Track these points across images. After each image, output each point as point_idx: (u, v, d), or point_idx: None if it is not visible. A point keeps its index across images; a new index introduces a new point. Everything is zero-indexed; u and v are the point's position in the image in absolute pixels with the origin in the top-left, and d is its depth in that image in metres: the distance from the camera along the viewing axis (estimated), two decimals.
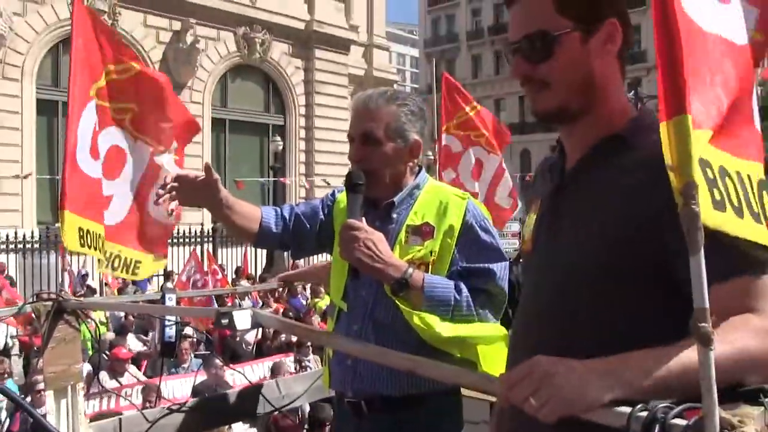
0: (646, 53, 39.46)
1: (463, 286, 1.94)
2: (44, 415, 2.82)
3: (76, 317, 2.73)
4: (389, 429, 2.02)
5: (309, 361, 7.65)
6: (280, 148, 19.36)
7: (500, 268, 2.00)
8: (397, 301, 1.91)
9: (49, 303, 2.67)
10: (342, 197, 2.19)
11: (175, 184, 2.02)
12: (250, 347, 9.10)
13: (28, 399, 6.48)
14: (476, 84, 44.74)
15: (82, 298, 3.30)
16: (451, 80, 7.88)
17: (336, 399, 2.20)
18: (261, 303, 10.56)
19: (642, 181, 1.19)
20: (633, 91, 24.48)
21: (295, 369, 7.37)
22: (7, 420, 6.86)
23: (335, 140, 21.94)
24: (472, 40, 47.58)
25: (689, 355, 1.03)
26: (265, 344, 8.87)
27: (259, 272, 15.27)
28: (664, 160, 1.07)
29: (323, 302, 10.71)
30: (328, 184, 17.57)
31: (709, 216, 0.98)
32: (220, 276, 9.68)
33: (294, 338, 8.64)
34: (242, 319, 1.70)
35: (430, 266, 1.98)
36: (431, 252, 1.99)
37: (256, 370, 7.42)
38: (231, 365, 7.27)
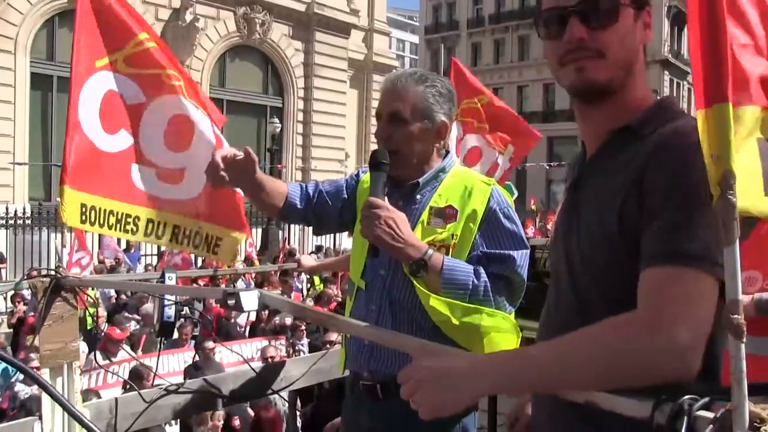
0: (644, 48, 39.33)
1: (482, 271, 1.92)
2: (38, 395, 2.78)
3: (74, 295, 2.69)
4: (404, 414, 1.98)
5: (303, 345, 7.63)
6: (278, 130, 19.27)
7: (521, 256, 1.98)
8: (414, 282, 1.91)
9: (47, 279, 2.63)
10: (366, 178, 2.17)
11: (221, 164, 2.00)
12: (242, 329, 9.06)
13: (20, 376, 6.45)
14: (475, 72, 44.17)
15: (83, 275, 3.25)
16: (460, 66, 7.78)
17: (350, 381, 2.18)
18: (252, 285, 10.52)
19: (637, 170, 1.18)
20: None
21: (288, 353, 7.34)
22: None
23: (333, 124, 21.88)
24: (473, 28, 47.36)
25: (542, 349, 1.15)
26: (258, 327, 8.83)
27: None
28: (662, 147, 1.13)
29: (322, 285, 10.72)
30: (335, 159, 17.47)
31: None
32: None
33: (288, 321, 8.63)
34: (249, 299, 1.67)
35: (450, 249, 1.96)
36: (453, 235, 1.97)
37: (244, 350, 7.39)
38: (222, 342, 7.23)
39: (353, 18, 22.99)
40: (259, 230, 16.72)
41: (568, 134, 36.94)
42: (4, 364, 7.19)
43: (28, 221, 13.55)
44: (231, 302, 1.72)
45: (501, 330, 1.97)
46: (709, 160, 0.96)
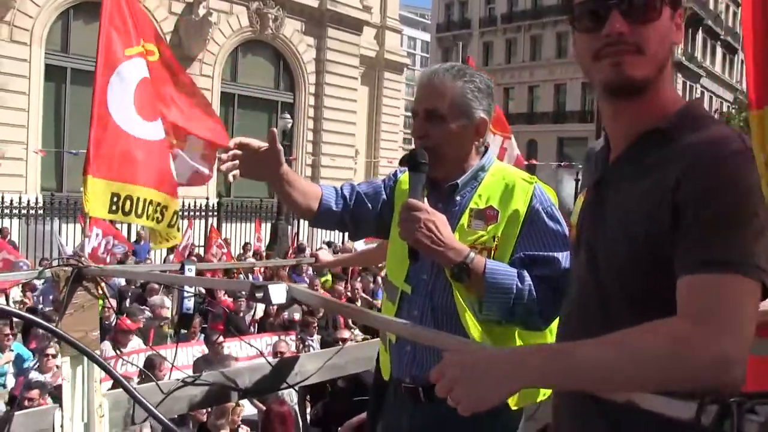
0: None
1: (526, 274, 1.84)
2: (59, 386, 2.79)
3: (96, 284, 2.70)
4: (445, 417, 1.96)
5: (312, 341, 7.62)
6: (289, 125, 19.27)
7: (566, 257, 1.88)
8: (455, 290, 1.86)
9: (69, 268, 2.64)
10: (404, 178, 2.10)
11: (239, 151, 1.93)
12: (251, 324, 9.06)
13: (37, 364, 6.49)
14: (486, 72, 44.40)
15: (102, 265, 3.27)
16: (473, 64, 7.86)
17: (392, 386, 2.12)
18: (261, 279, 10.54)
19: (669, 177, 1.16)
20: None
21: (297, 348, 7.34)
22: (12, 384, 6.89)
23: (344, 120, 21.87)
24: (485, 27, 47.24)
25: (589, 349, 1.10)
26: (267, 321, 8.84)
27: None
28: (693, 155, 1.12)
29: (325, 278, 10.71)
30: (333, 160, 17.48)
31: None
32: (225, 250, 9.66)
33: (296, 317, 8.63)
34: (278, 293, 1.66)
35: (492, 252, 1.89)
36: (494, 237, 1.90)
37: (253, 345, 7.38)
38: (236, 337, 7.24)
39: (365, 15, 22.95)
40: (268, 225, 16.76)
41: (578, 135, 36.82)
42: (16, 351, 7.25)
43: (41, 211, 13.61)
44: (259, 295, 1.71)
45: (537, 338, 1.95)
46: (761, 161, 0.95)
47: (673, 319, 1.08)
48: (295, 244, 14.17)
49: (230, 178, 1.95)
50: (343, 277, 10.34)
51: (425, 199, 1.86)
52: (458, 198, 1.99)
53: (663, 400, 1.03)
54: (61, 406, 2.63)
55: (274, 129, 1.99)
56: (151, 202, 3.35)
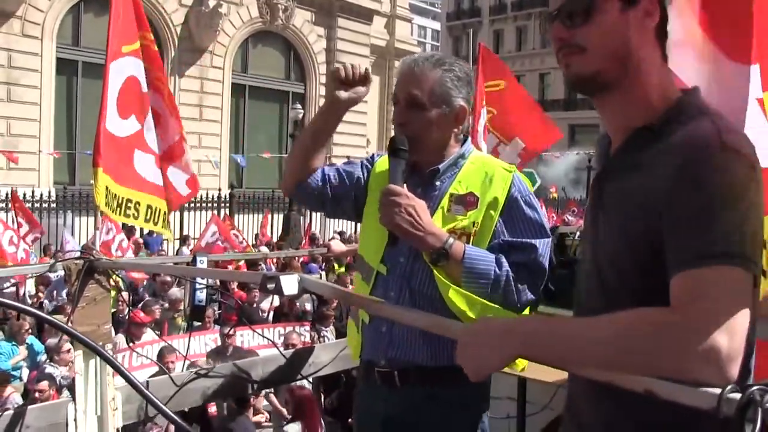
0: None
1: (503, 260, 1.88)
2: (72, 378, 2.80)
3: (107, 277, 2.70)
4: (421, 402, 1.96)
5: (327, 331, 7.64)
6: (300, 115, 19.27)
7: (542, 244, 1.94)
8: (435, 272, 1.87)
9: (81, 262, 2.63)
10: (381, 162, 2.12)
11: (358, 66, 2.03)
12: (264, 314, 9.08)
13: (43, 359, 6.54)
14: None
15: (113, 258, 3.27)
16: (488, 50, 7.67)
17: (364, 368, 2.13)
18: (273, 270, 10.56)
19: (657, 176, 1.19)
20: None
21: (312, 339, 7.36)
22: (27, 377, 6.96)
23: (354, 110, 21.70)
24: (495, 15, 46.97)
25: (577, 325, 1.20)
26: (282, 312, 8.86)
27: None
28: (681, 151, 1.15)
29: (342, 269, 10.73)
30: (348, 158, 17.50)
31: None
32: (241, 240, 9.68)
33: (308, 307, 8.65)
34: (289, 284, 1.64)
35: (471, 237, 1.92)
36: (474, 223, 1.93)
37: (266, 335, 7.40)
38: (249, 326, 7.27)
39: (375, 4, 22.87)
40: (281, 216, 16.80)
41: (590, 122, 36.59)
42: (29, 343, 7.31)
43: (53, 205, 13.69)
44: (270, 286, 1.69)
45: None
46: None
47: (665, 308, 1.10)
48: (309, 235, 14.20)
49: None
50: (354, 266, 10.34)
51: (405, 185, 1.88)
52: (438, 183, 2.01)
53: (682, 389, 1.00)
54: (74, 399, 2.63)
55: (368, 67, 2.10)
56: (115, 196, 3.39)
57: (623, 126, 1.31)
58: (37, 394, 5.48)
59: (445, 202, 1.97)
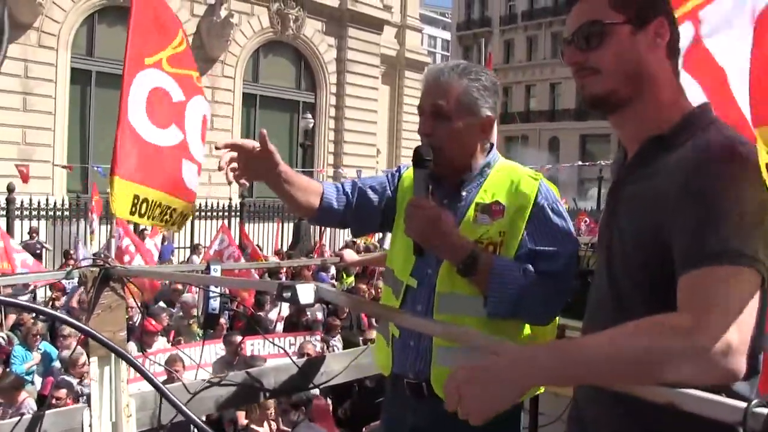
0: None
1: (530, 269, 1.85)
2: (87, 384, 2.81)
3: (122, 285, 2.71)
4: (449, 414, 1.95)
5: (335, 341, 7.63)
6: (311, 125, 19.32)
7: (569, 253, 1.91)
8: (436, 294, 1.88)
9: (96, 269, 2.65)
10: (408, 174, 2.10)
11: (235, 153, 1.88)
12: (272, 325, 9.06)
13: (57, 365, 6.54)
14: (508, 69, 44.30)
15: (128, 266, 3.28)
16: (491, 62, 7.79)
17: (392, 380, 2.12)
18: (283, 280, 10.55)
19: (667, 181, 1.22)
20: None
21: (321, 349, 7.35)
22: (39, 383, 6.98)
23: (365, 120, 21.88)
24: (505, 25, 47.01)
25: (590, 343, 1.15)
26: (290, 321, 8.84)
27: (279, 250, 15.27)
28: (690, 159, 1.19)
29: (351, 278, 10.72)
30: (359, 173, 17.52)
31: None
32: (249, 251, 9.69)
33: (319, 316, 8.63)
34: (305, 293, 1.65)
35: (498, 247, 1.90)
36: (500, 232, 1.90)
37: (276, 344, 7.40)
38: (259, 335, 7.25)
39: (386, 14, 22.93)
40: (290, 225, 16.81)
41: (601, 132, 36.48)
42: (43, 349, 7.34)
43: (67, 213, 13.77)
44: (286, 295, 1.69)
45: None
46: (765, 171, 1.09)
47: (673, 313, 1.11)
48: (321, 243, 14.19)
49: (244, 183, 1.92)
50: (366, 276, 10.33)
51: (430, 196, 1.88)
52: (464, 194, 1.99)
53: (707, 402, 1.00)
54: (89, 405, 2.65)
55: (264, 130, 1.94)
56: (160, 205, 3.41)
57: (637, 137, 1.36)
58: (54, 401, 5.48)
59: (470, 212, 1.94)
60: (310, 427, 5.35)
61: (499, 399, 1.14)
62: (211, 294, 2.60)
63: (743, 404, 0.94)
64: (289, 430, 5.43)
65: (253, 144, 1.92)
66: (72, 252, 11.38)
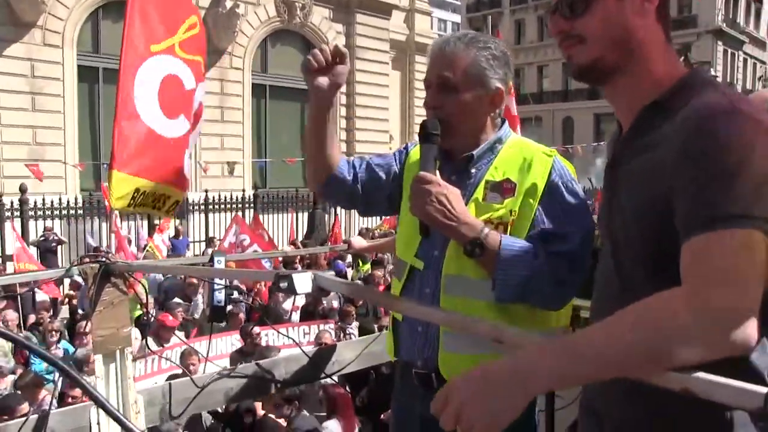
0: (696, 18, 38.10)
1: (542, 250, 1.75)
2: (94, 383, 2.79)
3: (124, 280, 2.67)
4: None
5: (352, 329, 7.60)
6: None
7: (584, 233, 1.80)
8: (442, 294, 1.80)
9: (96, 265, 2.61)
10: (415, 151, 2.01)
11: (325, 47, 1.85)
12: (287, 314, 9.06)
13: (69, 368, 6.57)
14: (519, 50, 43.91)
15: (130, 261, 3.25)
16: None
17: (401, 369, 2.05)
18: (300, 269, 10.53)
19: (665, 148, 1.16)
20: (683, 57, 23.85)
21: (338, 336, 7.32)
22: (60, 381, 7.02)
23: (376, 106, 21.77)
24: (516, 5, 46.53)
25: (596, 335, 1.08)
26: (307, 310, 8.83)
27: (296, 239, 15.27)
28: (687, 120, 1.12)
29: (367, 266, 10.68)
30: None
31: None
32: (267, 240, 9.68)
33: (335, 305, 8.61)
34: (302, 282, 1.58)
35: (508, 227, 1.80)
36: (511, 211, 1.80)
37: (291, 335, 7.38)
38: (272, 326, 7.25)
39: None
40: (305, 215, 16.80)
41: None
42: (62, 348, 7.38)
43: (80, 211, 13.84)
44: (283, 285, 1.63)
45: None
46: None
47: (673, 288, 1.05)
48: (335, 231, 14.14)
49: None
50: (382, 263, 10.27)
51: (438, 172, 1.78)
52: (473, 170, 1.89)
53: (724, 388, 0.93)
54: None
55: (339, 45, 1.90)
56: (154, 194, 3.38)
57: (632, 109, 1.31)
58: (70, 399, 5.51)
59: (480, 190, 1.85)
60: (303, 418, 5.34)
61: (503, 411, 1.07)
62: (216, 286, 2.53)
63: (763, 389, 0.87)
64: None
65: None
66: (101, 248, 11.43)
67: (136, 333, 7.54)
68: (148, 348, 6.28)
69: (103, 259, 2.61)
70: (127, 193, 3.21)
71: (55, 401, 5.96)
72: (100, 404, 0.84)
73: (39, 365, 7.07)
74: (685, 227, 1.08)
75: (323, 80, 1.87)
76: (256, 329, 7.03)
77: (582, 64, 1.30)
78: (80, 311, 8.58)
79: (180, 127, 3.54)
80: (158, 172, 3.36)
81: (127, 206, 3.28)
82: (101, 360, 2.66)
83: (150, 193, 3.36)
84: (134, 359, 6.00)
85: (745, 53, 45.10)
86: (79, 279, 8.39)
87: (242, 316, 7.99)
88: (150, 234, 11.86)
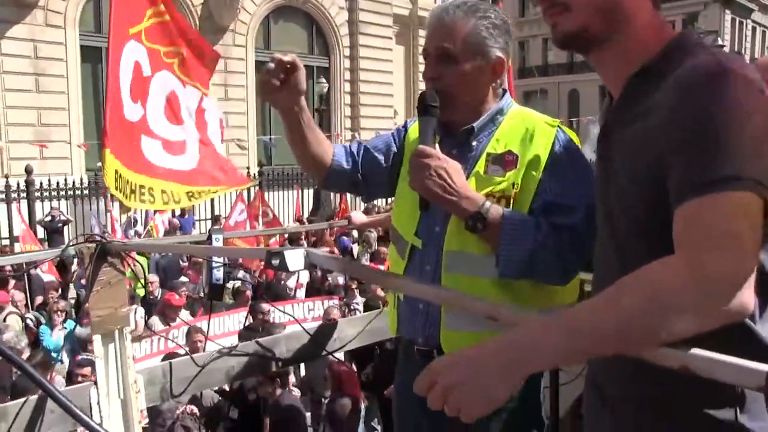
0: None
1: (545, 223, 1.70)
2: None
3: (121, 260, 2.64)
4: None
5: (357, 304, 7.59)
6: (325, 89, 19.14)
7: (589, 205, 1.73)
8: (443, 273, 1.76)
9: (93, 245, 2.58)
10: (414, 128, 1.95)
11: (271, 66, 1.80)
12: (291, 291, 9.05)
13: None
14: (523, 23, 43.42)
15: (126, 240, 3.22)
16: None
17: (403, 346, 2.02)
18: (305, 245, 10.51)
19: (657, 113, 1.11)
20: (689, 27, 23.53)
21: (343, 313, 7.31)
22: (68, 361, 7.06)
23: (381, 81, 21.62)
24: None
25: (592, 307, 1.05)
26: (313, 288, 8.83)
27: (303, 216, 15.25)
28: (678, 83, 1.08)
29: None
30: (378, 133, 17.39)
31: None
32: (270, 218, 9.66)
33: (340, 281, 8.60)
34: (294, 259, 1.54)
35: (511, 200, 1.75)
36: (513, 184, 1.75)
37: (296, 311, 7.37)
38: (273, 303, 7.25)
39: None
40: (310, 192, 16.76)
41: None
42: (69, 327, 7.41)
43: (86, 191, 13.85)
44: (275, 262, 1.60)
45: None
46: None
47: (667, 257, 1.02)
48: (342, 208, 14.10)
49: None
50: (388, 239, 10.22)
51: (437, 145, 1.73)
52: (474, 143, 1.84)
53: (725, 367, 0.89)
54: (96, 383, 2.61)
55: (295, 55, 1.85)
56: (128, 182, 3.39)
57: (620, 77, 1.26)
58: (80, 378, 5.53)
59: (481, 163, 1.79)
60: (290, 398, 5.36)
61: (492, 394, 1.03)
62: (214, 264, 2.51)
63: (765, 367, 0.83)
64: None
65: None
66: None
67: (141, 312, 7.59)
68: (147, 327, 6.29)
69: (99, 239, 2.58)
70: (111, 175, 3.21)
71: (63, 381, 6.01)
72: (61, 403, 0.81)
73: (49, 339, 7.12)
74: (678, 193, 1.04)
75: (284, 96, 1.83)
76: (265, 306, 7.03)
77: (567, 32, 1.25)
78: (78, 292, 8.60)
79: (137, 112, 3.58)
80: (123, 154, 3.37)
81: (115, 189, 3.26)
82: (100, 340, 2.65)
83: (125, 179, 3.37)
84: (140, 338, 6.03)
85: (753, 21, 44.46)
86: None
87: (249, 293, 8.00)
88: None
